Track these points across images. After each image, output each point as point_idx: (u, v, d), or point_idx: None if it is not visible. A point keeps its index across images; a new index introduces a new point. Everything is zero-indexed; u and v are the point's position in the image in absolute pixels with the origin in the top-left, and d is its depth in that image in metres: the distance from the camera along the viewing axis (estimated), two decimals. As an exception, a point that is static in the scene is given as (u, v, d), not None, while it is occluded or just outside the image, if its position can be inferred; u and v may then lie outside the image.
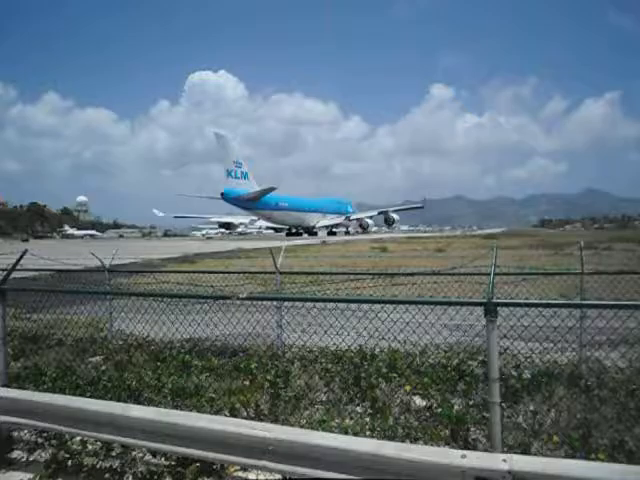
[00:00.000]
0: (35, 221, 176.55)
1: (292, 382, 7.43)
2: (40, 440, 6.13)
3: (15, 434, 6.23)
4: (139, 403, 6.80)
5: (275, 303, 9.22)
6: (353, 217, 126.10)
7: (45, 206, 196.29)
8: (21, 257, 6.29)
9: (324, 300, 7.36)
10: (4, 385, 6.12)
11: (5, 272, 6.14)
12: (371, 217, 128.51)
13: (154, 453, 5.47)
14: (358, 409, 7.00)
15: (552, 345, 7.97)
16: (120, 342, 10.08)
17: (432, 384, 7.40)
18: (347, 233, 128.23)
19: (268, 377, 7.31)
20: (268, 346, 9.23)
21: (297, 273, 11.59)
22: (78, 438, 5.92)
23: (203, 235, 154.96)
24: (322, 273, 11.90)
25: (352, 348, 8.70)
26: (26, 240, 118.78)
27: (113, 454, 5.74)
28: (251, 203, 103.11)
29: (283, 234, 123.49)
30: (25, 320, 13.45)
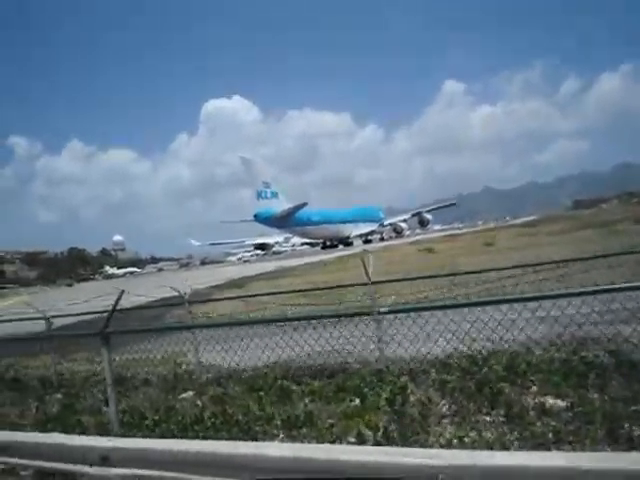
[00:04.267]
0: (76, 265, 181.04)
1: (410, 398, 6.88)
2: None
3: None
4: (250, 437, 6.38)
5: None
6: (387, 223, 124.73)
7: (84, 250, 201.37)
8: (119, 299, 5.96)
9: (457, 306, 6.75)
10: (118, 434, 5.76)
11: (106, 314, 5.81)
12: (405, 220, 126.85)
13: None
14: (487, 418, 6.41)
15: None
16: (208, 375, 9.71)
17: (562, 382, 6.77)
18: (382, 239, 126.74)
19: (384, 395, 6.79)
20: (367, 362, 8.69)
21: (389, 281, 11.01)
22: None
23: (239, 259, 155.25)
24: (412, 279, 11.25)
25: (455, 354, 8.14)
26: (70, 285, 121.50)
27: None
28: (284, 221, 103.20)
29: (318, 248, 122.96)
30: (98, 363, 13.28)
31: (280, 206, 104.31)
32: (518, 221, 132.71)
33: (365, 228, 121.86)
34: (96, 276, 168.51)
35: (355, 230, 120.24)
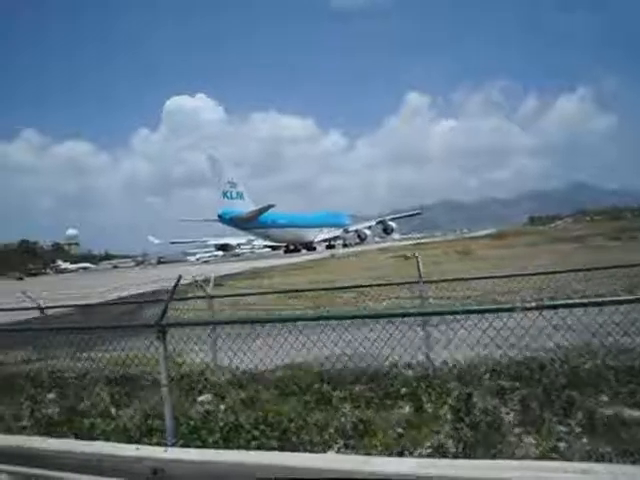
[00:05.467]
0: (26, 258, 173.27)
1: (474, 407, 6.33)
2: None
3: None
4: (305, 447, 5.70)
5: (412, 319, 8.04)
6: (351, 229, 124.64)
7: (36, 242, 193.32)
8: (176, 285, 5.19)
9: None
10: (173, 444, 4.96)
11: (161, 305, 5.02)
12: (369, 227, 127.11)
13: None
14: (562, 428, 5.92)
15: None
16: (226, 376, 8.88)
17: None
18: (345, 245, 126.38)
19: (450, 401, 6.22)
20: (409, 366, 8.09)
21: (442, 281, 10.36)
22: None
23: (197, 259, 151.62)
24: (466, 279, 10.54)
25: (504, 361, 7.66)
26: (21, 278, 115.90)
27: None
28: (248, 223, 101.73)
29: (279, 252, 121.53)
30: (86, 360, 12.15)
31: (245, 207, 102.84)
32: (478, 234, 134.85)
33: (329, 233, 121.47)
34: (48, 270, 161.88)
35: (319, 235, 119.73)
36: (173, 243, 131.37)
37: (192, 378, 9.24)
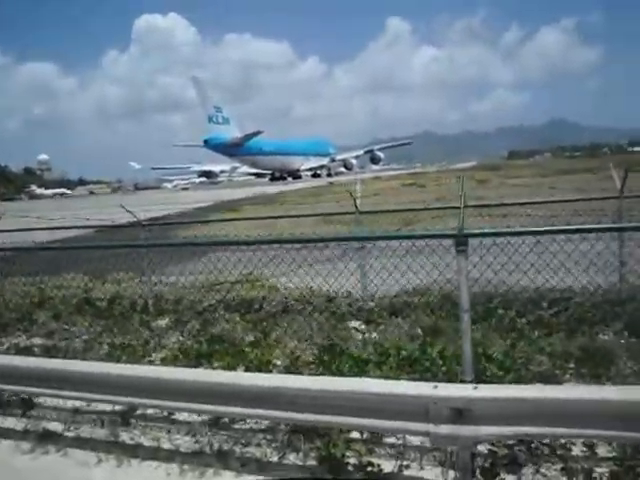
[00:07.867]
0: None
1: None
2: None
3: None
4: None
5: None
6: (338, 158, 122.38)
7: (6, 167, 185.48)
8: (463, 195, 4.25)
9: None
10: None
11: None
12: (356, 157, 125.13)
13: None
14: None
15: None
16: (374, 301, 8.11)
17: None
18: (329, 175, 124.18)
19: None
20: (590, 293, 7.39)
21: None
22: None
23: (174, 186, 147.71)
24: None
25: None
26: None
27: None
28: (235, 149, 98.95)
29: (263, 180, 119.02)
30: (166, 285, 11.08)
31: (231, 132, 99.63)
32: (461, 165, 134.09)
33: (315, 162, 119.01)
34: (21, 196, 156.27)
35: (306, 163, 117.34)
36: (154, 169, 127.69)
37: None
